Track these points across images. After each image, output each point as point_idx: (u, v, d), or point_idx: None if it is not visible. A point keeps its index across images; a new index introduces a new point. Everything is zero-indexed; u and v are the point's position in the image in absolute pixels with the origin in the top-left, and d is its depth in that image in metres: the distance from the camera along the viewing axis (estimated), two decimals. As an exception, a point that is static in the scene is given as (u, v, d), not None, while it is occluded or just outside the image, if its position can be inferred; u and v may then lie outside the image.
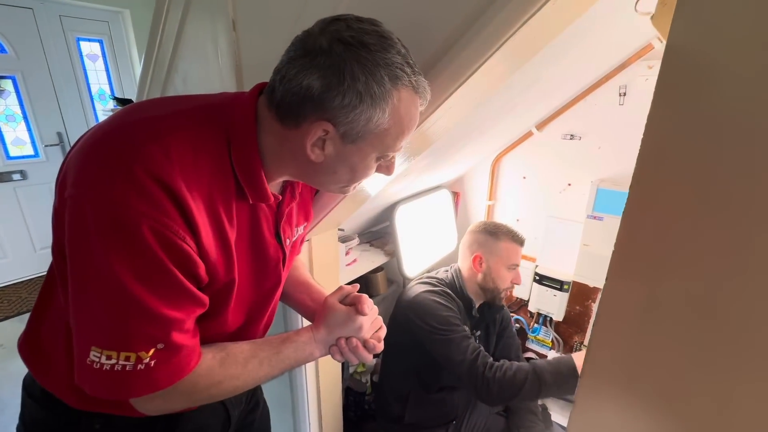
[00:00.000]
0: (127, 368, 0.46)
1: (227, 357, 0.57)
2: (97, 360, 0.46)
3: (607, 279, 0.45)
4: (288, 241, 0.67)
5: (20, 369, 0.58)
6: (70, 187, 0.45)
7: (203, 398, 0.56)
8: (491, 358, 1.10)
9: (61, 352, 0.56)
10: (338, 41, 0.46)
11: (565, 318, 1.75)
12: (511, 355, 1.42)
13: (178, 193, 0.45)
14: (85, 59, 2.98)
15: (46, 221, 2.91)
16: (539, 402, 1.44)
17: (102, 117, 3.07)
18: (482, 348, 1.12)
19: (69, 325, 0.51)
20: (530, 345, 1.89)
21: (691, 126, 0.37)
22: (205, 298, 0.52)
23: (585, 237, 1.56)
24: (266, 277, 0.64)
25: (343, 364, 1.50)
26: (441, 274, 1.33)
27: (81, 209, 0.43)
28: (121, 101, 2.52)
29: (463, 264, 1.30)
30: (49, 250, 0.53)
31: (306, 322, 0.75)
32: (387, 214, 1.59)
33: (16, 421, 0.65)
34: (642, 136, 0.40)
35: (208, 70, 1.12)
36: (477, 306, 1.30)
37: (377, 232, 1.80)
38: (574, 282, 1.68)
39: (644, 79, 1.35)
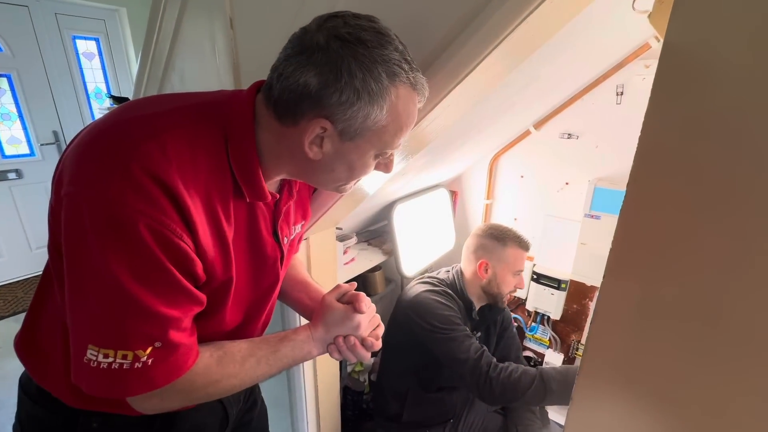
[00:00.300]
0: (125, 367, 0.46)
1: (225, 355, 0.57)
2: (94, 358, 0.45)
3: (604, 277, 0.46)
4: (286, 239, 0.66)
5: (16, 369, 0.58)
6: (67, 184, 0.44)
7: (200, 397, 0.56)
8: (495, 359, 1.11)
9: (58, 350, 0.55)
10: (335, 38, 0.46)
11: (562, 317, 1.75)
12: (511, 355, 1.42)
13: (175, 191, 0.45)
14: (81, 57, 2.96)
15: (41, 220, 2.87)
16: (538, 404, 1.44)
17: (98, 116, 3.05)
18: (485, 348, 1.13)
19: (66, 324, 0.51)
20: (528, 344, 1.90)
21: (688, 124, 0.37)
22: (203, 297, 0.52)
23: (582, 236, 1.57)
24: (264, 275, 0.64)
25: (340, 363, 1.50)
26: (442, 274, 1.33)
27: (78, 207, 0.43)
28: (118, 99, 2.51)
29: (467, 268, 1.30)
30: (45, 250, 0.53)
31: (304, 321, 0.75)
32: (385, 212, 1.59)
33: (11, 420, 0.65)
34: (639, 135, 0.40)
35: (205, 68, 1.12)
36: (477, 308, 1.30)
37: (375, 231, 1.80)
38: (571, 281, 1.68)
39: (641, 79, 1.35)
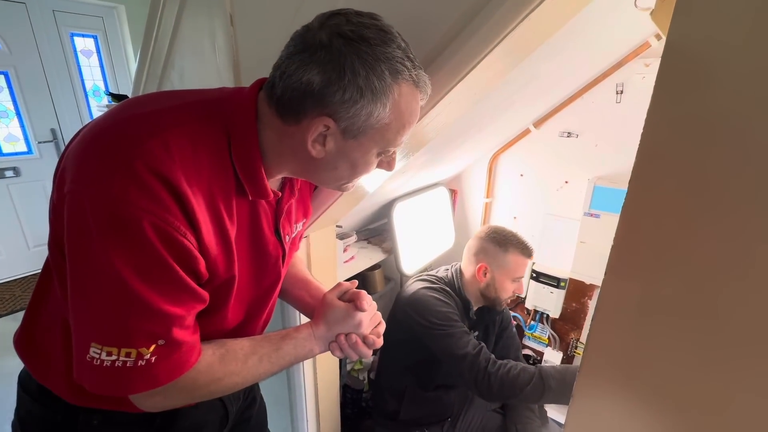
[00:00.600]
0: (128, 364, 0.46)
1: (227, 353, 0.57)
2: (97, 356, 0.45)
3: (605, 275, 0.46)
4: (287, 237, 0.66)
5: (13, 367, 0.58)
6: (70, 182, 0.44)
7: (203, 395, 0.56)
8: (493, 356, 1.11)
9: (59, 348, 0.55)
10: (338, 36, 0.46)
11: (561, 315, 1.76)
12: (510, 355, 1.42)
13: (178, 189, 0.44)
14: (79, 55, 2.95)
15: (39, 218, 2.89)
16: (536, 402, 1.45)
17: (96, 114, 3.04)
18: (484, 345, 1.13)
19: (66, 321, 0.51)
20: (527, 342, 1.90)
21: (690, 122, 0.37)
22: (206, 294, 0.52)
23: (582, 234, 1.57)
24: (266, 273, 0.64)
25: (340, 362, 1.51)
26: (441, 272, 1.33)
27: (81, 205, 0.43)
28: (117, 97, 2.50)
29: (466, 269, 1.29)
30: (43, 248, 0.53)
31: (304, 319, 0.75)
32: (385, 211, 1.59)
33: (9, 418, 0.64)
34: (641, 133, 0.40)
35: (205, 66, 1.11)
36: (475, 309, 1.30)
37: (375, 230, 1.80)
38: (570, 279, 1.69)
39: (641, 77, 1.35)
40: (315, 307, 0.73)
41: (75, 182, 0.44)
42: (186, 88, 0.56)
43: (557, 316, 1.76)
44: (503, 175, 1.83)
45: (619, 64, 1.37)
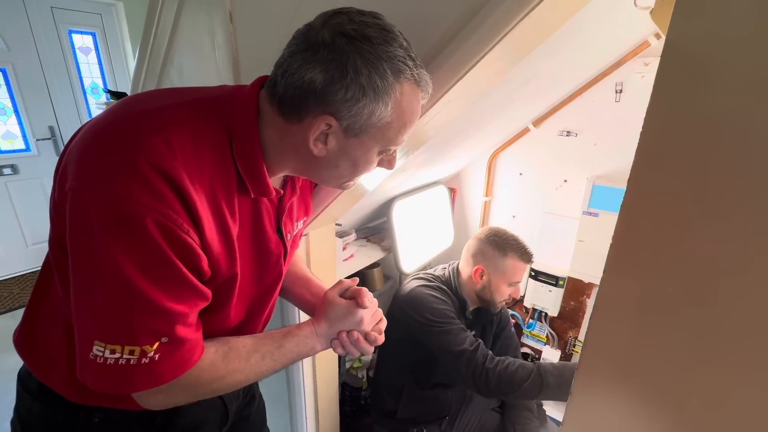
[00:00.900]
0: (132, 362, 0.46)
1: (230, 351, 0.57)
2: (101, 354, 0.45)
3: (604, 273, 0.46)
4: (289, 235, 0.67)
5: (11, 365, 0.58)
6: (72, 179, 0.44)
7: (206, 392, 0.56)
8: (491, 352, 1.11)
9: (60, 346, 0.55)
10: (341, 34, 0.46)
11: (559, 313, 1.76)
12: (508, 354, 1.41)
13: (181, 186, 0.44)
14: (78, 52, 2.93)
15: (38, 216, 2.88)
16: (534, 399, 1.45)
17: (95, 111, 3.03)
18: (481, 341, 1.13)
19: (67, 319, 0.51)
20: (525, 340, 1.91)
21: (689, 121, 0.38)
22: (208, 292, 0.52)
23: (580, 233, 1.57)
24: (267, 271, 0.64)
25: (339, 360, 1.51)
26: (438, 271, 1.33)
27: (83, 202, 0.43)
28: (116, 95, 2.48)
29: (464, 269, 1.29)
30: (41, 246, 0.53)
31: (303, 317, 0.75)
32: (384, 209, 1.59)
33: (8, 416, 0.64)
34: (640, 131, 0.40)
35: (204, 63, 1.11)
36: (472, 308, 1.30)
37: (374, 228, 1.80)
38: (569, 278, 1.69)
39: (640, 76, 1.36)
40: (316, 304, 0.73)
41: (77, 179, 0.44)
42: (185, 85, 0.56)
43: (556, 315, 1.76)
44: (502, 173, 1.84)
45: (619, 63, 1.37)
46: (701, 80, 0.36)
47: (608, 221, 1.49)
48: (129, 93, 1.75)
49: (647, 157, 0.40)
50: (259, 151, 0.52)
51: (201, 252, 0.49)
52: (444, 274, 1.31)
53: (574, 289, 1.72)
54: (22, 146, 2.81)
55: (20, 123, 2.76)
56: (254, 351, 0.59)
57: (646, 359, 0.45)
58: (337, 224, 1.34)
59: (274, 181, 0.59)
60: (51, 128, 2.88)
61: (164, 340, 0.47)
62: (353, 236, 1.55)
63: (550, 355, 1.82)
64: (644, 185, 0.41)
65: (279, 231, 0.63)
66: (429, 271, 1.34)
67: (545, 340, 1.85)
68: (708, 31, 0.35)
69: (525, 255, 1.22)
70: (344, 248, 1.49)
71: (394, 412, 1.28)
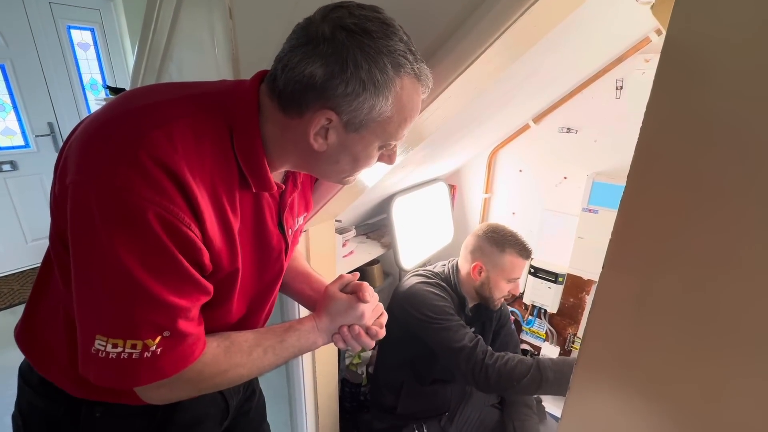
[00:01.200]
0: (134, 356, 0.46)
1: (232, 345, 0.57)
2: (103, 348, 0.45)
3: (603, 269, 0.46)
4: (290, 231, 0.67)
5: (12, 360, 0.58)
6: (73, 173, 0.44)
7: (208, 387, 0.56)
8: (491, 348, 1.11)
9: (61, 340, 0.55)
10: (341, 28, 0.46)
11: (559, 310, 1.77)
12: (508, 351, 1.42)
13: (183, 180, 0.44)
14: (76, 48, 2.92)
15: (37, 213, 2.88)
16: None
17: (94, 107, 3.02)
18: (481, 337, 1.13)
19: (68, 313, 0.51)
20: (524, 337, 1.91)
21: (689, 117, 0.38)
22: (210, 286, 0.52)
23: (580, 230, 1.58)
24: (269, 267, 0.64)
25: (339, 355, 1.51)
26: (438, 268, 1.33)
27: (85, 196, 0.43)
28: (115, 90, 2.48)
29: (463, 266, 1.29)
30: (41, 242, 0.53)
31: (303, 312, 0.75)
32: (384, 206, 1.59)
33: (9, 410, 0.65)
34: (640, 127, 0.40)
35: (204, 59, 1.11)
36: (471, 305, 1.30)
37: (374, 224, 1.80)
38: (568, 274, 1.70)
39: (641, 73, 1.35)
40: (317, 300, 0.74)
41: (78, 173, 0.43)
42: (185, 80, 0.57)
43: (555, 311, 1.77)
44: (502, 170, 1.84)
45: (619, 60, 1.37)
46: (701, 77, 0.36)
47: (608, 218, 1.49)
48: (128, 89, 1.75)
49: (647, 153, 0.41)
50: (260, 146, 0.52)
51: (202, 246, 0.49)
52: (443, 271, 1.31)
53: (574, 286, 1.73)
54: (21, 143, 2.80)
55: (19, 119, 2.75)
56: (256, 345, 0.59)
57: (645, 354, 0.45)
58: (336, 220, 1.34)
59: (276, 176, 0.59)
60: (50, 124, 2.87)
61: (166, 334, 0.47)
62: (353, 233, 1.55)
63: (549, 351, 1.82)
64: (644, 181, 0.41)
65: (280, 226, 0.63)
66: (428, 267, 1.34)
67: (544, 337, 1.85)
68: (709, 27, 0.35)
69: (523, 251, 1.22)
70: (344, 245, 1.49)
71: (393, 408, 1.29)
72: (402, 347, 1.25)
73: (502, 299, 1.28)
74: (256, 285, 0.64)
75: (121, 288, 0.44)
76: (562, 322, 1.82)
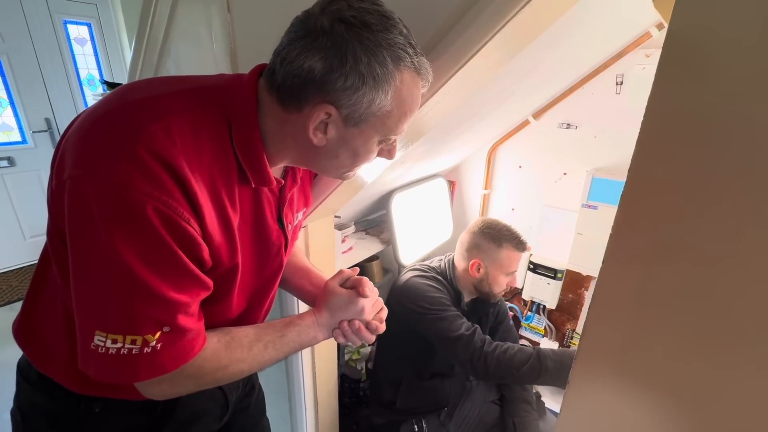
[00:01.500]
0: (134, 352, 0.46)
1: (232, 340, 0.57)
2: (102, 344, 0.45)
3: (603, 263, 0.46)
4: (290, 226, 0.66)
5: (10, 357, 0.58)
6: (70, 168, 0.43)
7: (209, 382, 0.56)
8: (489, 337, 1.11)
9: (59, 336, 0.55)
10: (340, 21, 0.45)
11: (558, 306, 1.77)
12: None
13: (181, 174, 0.44)
14: (73, 43, 2.90)
15: (35, 209, 2.87)
16: (534, 390, 1.46)
17: (92, 103, 3.00)
18: (478, 326, 1.13)
19: (66, 309, 0.51)
20: (523, 332, 1.92)
21: (690, 114, 0.37)
22: (209, 282, 0.52)
23: (579, 226, 1.58)
24: (268, 262, 0.64)
25: (338, 351, 1.52)
26: (434, 262, 1.33)
27: (82, 190, 0.42)
28: (112, 86, 2.47)
29: (459, 263, 1.29)
30: (39, 238, 0.52)
31: (303, 308, 0.75)
32: (383, 202, 1.59)
33: (8, 407, 0.65)
34: (641, 122, 0.40)
35: (201, 53, 1.10)
36: (467, 300, 1.31)
37: (373, 221, 1.80)
38: (567, 270, 1.70)
39: (641, 68, 1.34)
40: (316, 295, 0.74)
41: (75, 168, 0.43)
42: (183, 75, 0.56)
43: (554, 307, 1.77)
44: (502, 166, 1.83)
45: (619, 55, 1.36)
46: (703, 72, 0.36)
47: (607, 214, 1.49)
48: (126, 84, 1.73)
49: (647, 149, 0.40)
50: (258, 140, 0.52)
51: (202, 241, 0.48)
52: (440, 265, 1.31)
53: (573, 282, 1.73)
54: (18, 138, 2.79)
55: (16, 115, 2.74)
56: (256, 340, 0.59)
57: (644, 348, 0.45)
58: (336, 216, 1.34)
59: (275, 171, 0.59)
60: (47, 120, 2.86)
61: (166, 329, 0.47)
62: (352, 228, 1.55)
63: (548, 347, 1.83)
64: (644, 177, 0.41)
65: (280, 221, 0.63)
66: (425, 262, 1.34)
67: (543, 333, 1.86)
68: (711, 21, 0.35)
69: (519, 244, 1.23)
70: (343, 240, 1.49)
71: (392, 403, 1.29)
72: (400, 342, 1.25)
73: (501, 293, 1.28)
74: (255, 280, 0.64)
75: (121, 283, 0.44)
76: (561, 318, 1.83)
